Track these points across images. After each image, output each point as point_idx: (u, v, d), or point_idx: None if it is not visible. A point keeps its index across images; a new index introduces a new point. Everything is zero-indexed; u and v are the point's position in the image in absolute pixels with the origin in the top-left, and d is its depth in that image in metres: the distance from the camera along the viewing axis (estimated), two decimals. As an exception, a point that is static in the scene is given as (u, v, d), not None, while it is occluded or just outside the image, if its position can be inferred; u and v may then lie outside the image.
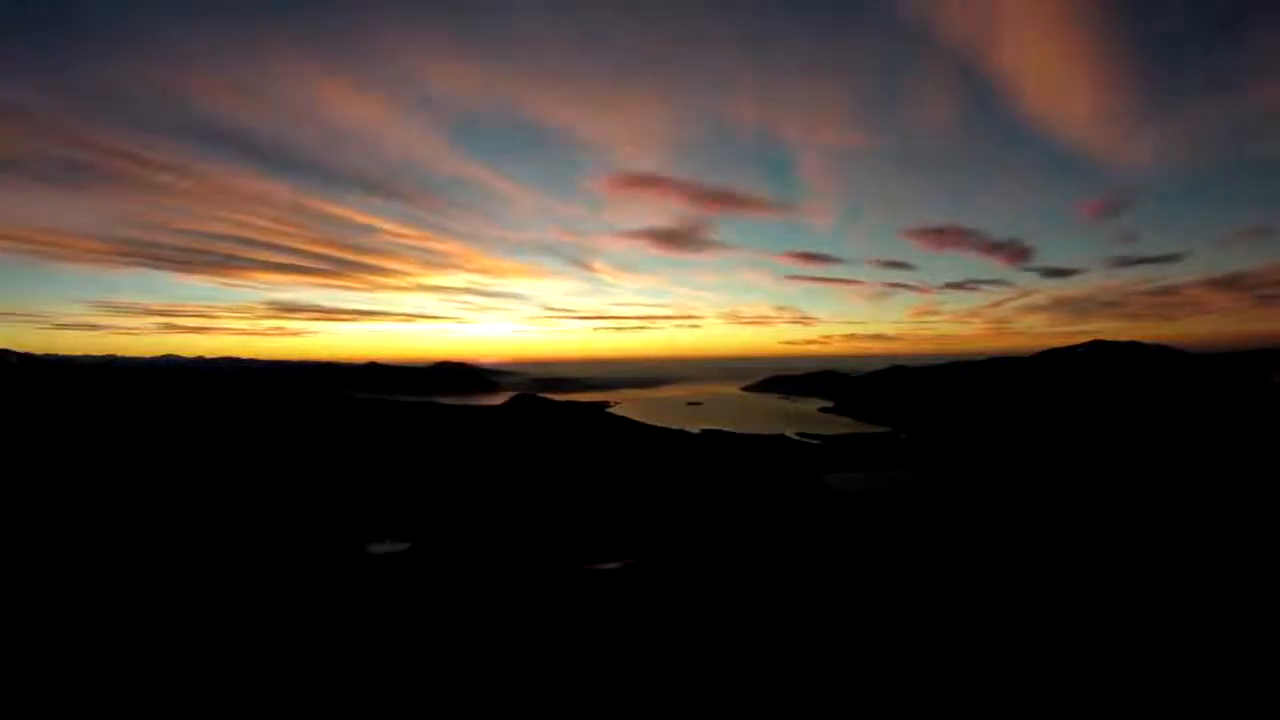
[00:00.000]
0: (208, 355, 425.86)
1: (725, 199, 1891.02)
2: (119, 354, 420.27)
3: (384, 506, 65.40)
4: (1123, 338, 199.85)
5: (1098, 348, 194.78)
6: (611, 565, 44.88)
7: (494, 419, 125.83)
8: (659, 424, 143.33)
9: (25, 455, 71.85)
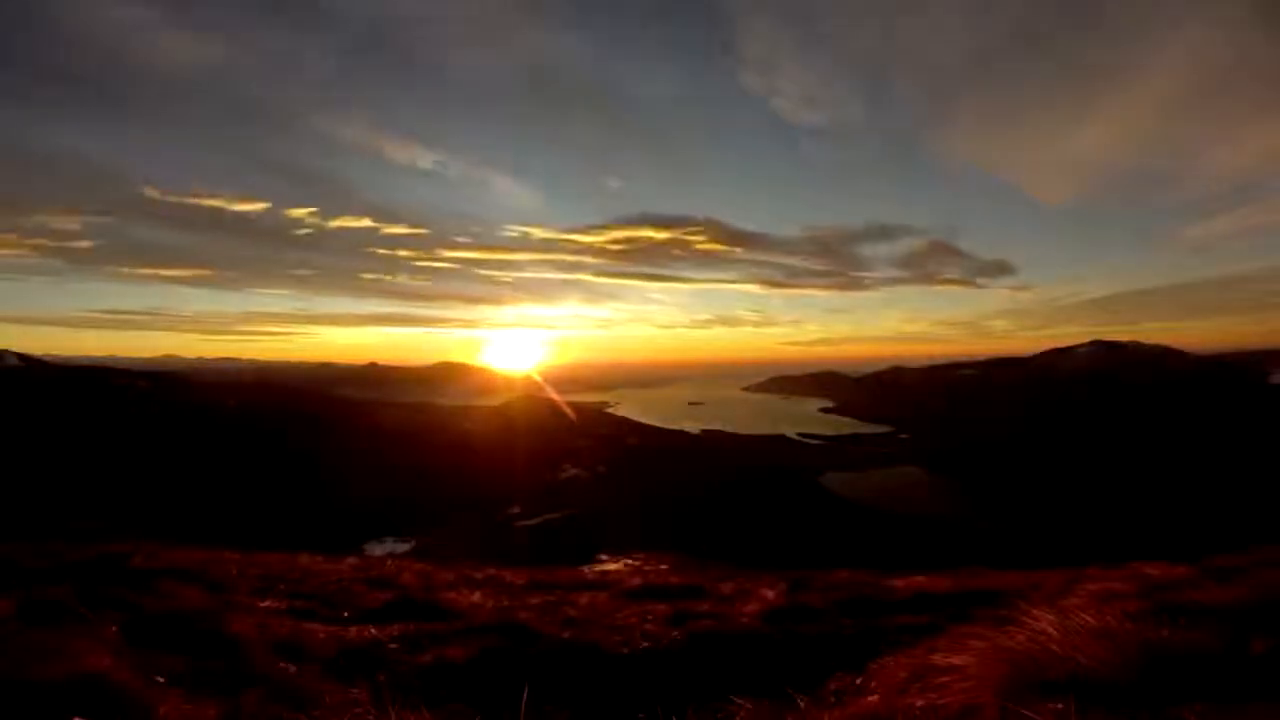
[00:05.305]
0: (208, 356, 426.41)
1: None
2: (119, 355, 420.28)
3: (384, 507, 65.31)
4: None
5: (1097, 347, 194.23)
6: (612, 567, 44.70)
7: (493, 420, 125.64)
8: (660, 423, 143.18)
9: (25, 455, 71.71)
